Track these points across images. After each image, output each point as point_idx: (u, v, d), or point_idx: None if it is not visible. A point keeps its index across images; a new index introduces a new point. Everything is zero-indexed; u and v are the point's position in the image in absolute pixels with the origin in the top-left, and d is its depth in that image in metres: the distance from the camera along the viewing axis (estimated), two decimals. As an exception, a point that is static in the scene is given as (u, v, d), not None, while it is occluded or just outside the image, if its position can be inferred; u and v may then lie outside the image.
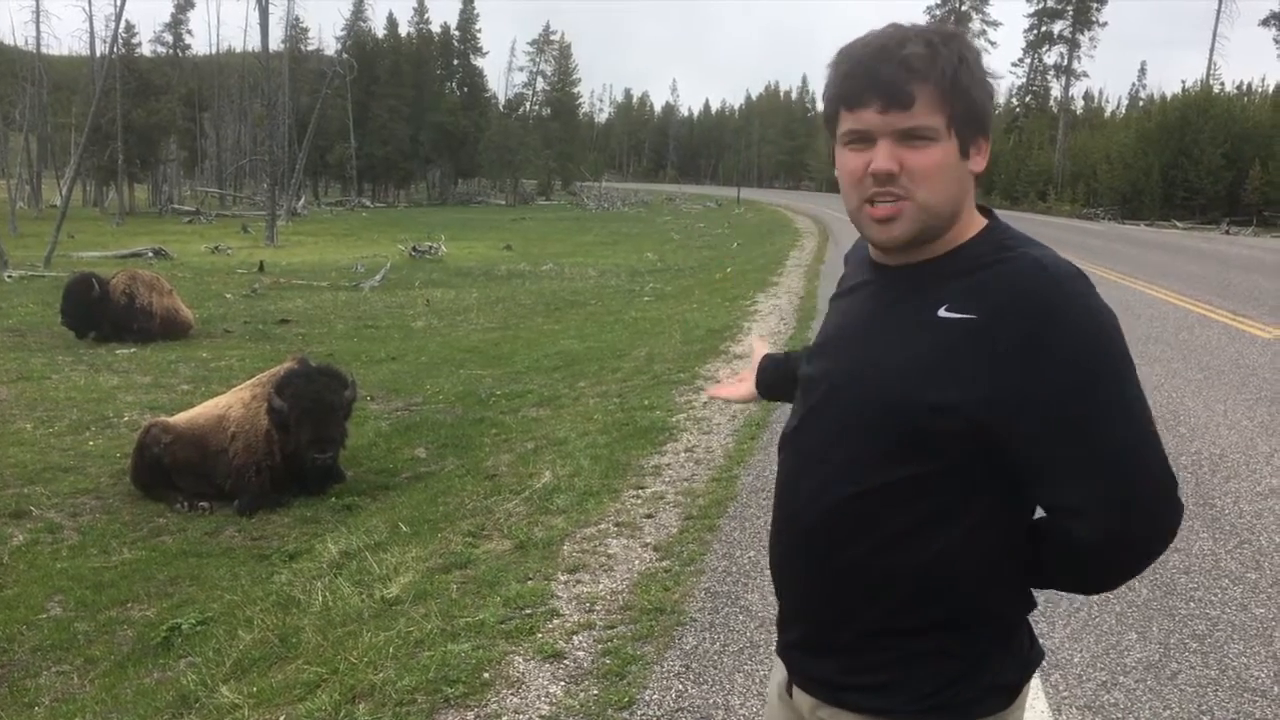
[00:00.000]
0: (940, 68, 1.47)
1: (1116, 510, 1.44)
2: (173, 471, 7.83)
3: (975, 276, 1.48)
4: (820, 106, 2.06)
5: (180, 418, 8.36)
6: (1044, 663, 3.92)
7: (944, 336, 1.46)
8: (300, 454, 7.58)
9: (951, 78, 1.47)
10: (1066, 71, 76.86)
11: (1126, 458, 1.43)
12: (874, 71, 1.48)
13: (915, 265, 1.56)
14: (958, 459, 1.49)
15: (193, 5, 75.24)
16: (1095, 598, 4.55)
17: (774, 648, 1.84)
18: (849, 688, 1.62)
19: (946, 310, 1.47)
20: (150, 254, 28.43)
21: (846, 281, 1.77)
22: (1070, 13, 74.78)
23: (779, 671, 1.81)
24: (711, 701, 3.69)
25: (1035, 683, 3.74)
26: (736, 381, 2.30)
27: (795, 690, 1.74)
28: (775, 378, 2.17)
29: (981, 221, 1.58)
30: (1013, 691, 1.60)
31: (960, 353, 1.44)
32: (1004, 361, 1.42)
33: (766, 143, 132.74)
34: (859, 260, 1.73)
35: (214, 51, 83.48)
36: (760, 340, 2.36)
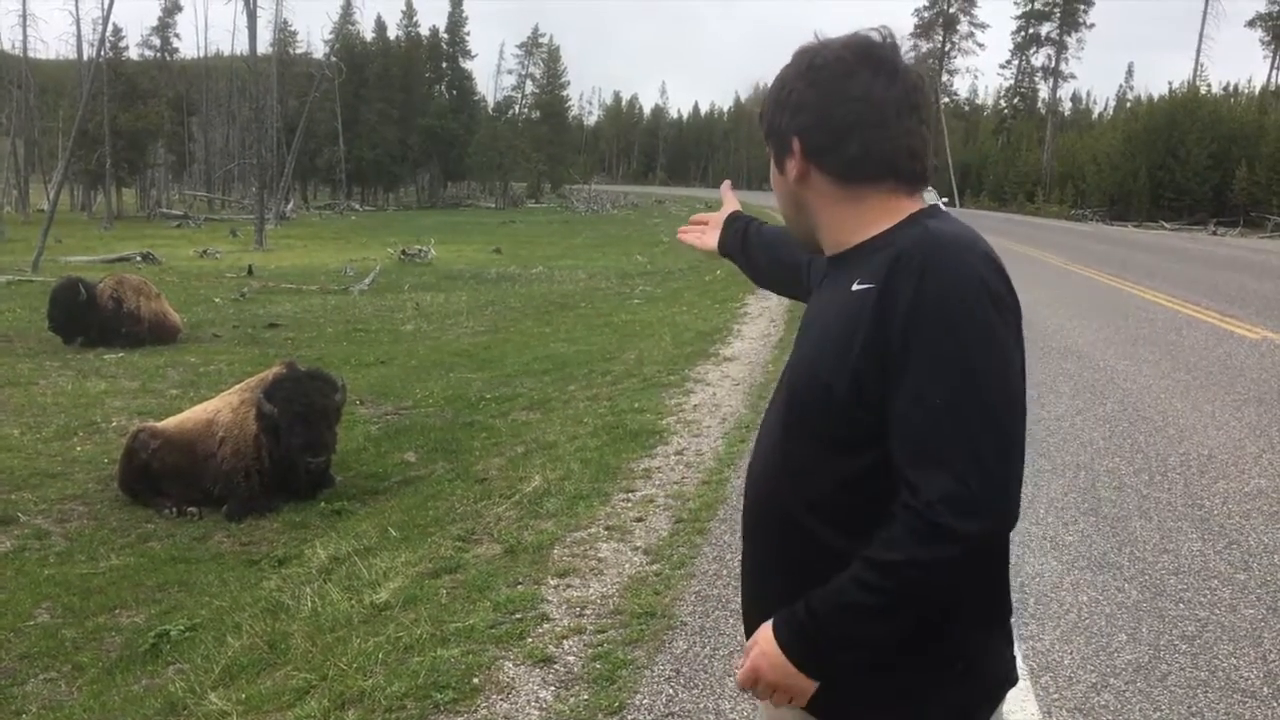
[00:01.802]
0: (768, 102, 1.69)
1: (930, 476, 1.42)
2: (161, 477, 7.79)
3: (882, 251, 1.55)
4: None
5: (168, 423, 8.32)
6: (1034, 665, 3.94)
7: (852, 308, 1.54)
8: (291, 459, 7.55)
9: (770, 110, 1.68)
10: (1054, 73, 77.25)
11: (969, 431, 1.42)
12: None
13: (842, 254, 1.66)
14: (867, 431, 1.51)
15: (180, 8, 75.12)
16: (1084, 599, 4.55)
17: None
18: None
19: (858, 284, 1.55)
20: (138, 258, 28.31)
21: None
22: (1058, 15, 75.15)
23: None
24: (702, 706, 3.68)
25: (1025, 684, 3.75)
26: (703, 231, 2.40)
27: None
28: (730, 236, 2.32)
29: (906, 211, 1.61)
30: (965, 714, 1.60)
31: (860, 320, 1.51)
32: (881, 326, 1.48)
33: (756, 145, 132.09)
34: None
35: (202, 55, 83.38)
36: (729, 193, 2.43)
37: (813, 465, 1.56)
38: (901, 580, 1.44)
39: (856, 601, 1.46)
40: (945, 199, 39.21)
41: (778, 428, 1.66)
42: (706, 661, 4.00)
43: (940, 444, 1.42)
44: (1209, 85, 64.12)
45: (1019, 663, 3.88)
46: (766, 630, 1.55)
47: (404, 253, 30.55)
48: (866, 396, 1.48)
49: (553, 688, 3.81)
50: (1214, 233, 43.91)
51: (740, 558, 1.81)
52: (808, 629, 1.51)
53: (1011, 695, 3.81)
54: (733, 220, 2.33)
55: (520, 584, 4.80)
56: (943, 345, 1.43)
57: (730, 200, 2.39)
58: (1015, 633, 4.16)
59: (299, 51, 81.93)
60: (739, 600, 1.87)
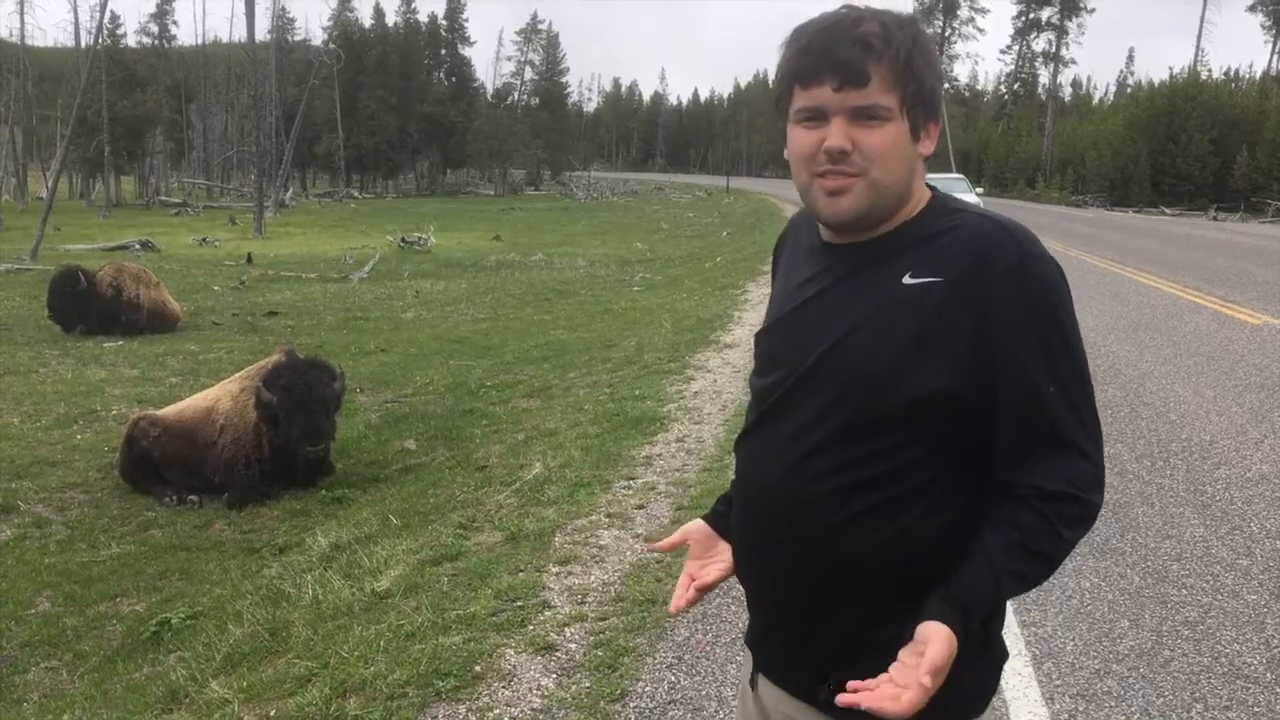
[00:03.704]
0: (895, 48, 1.46)
1: (1064, 460, 1.48)
2: (161, 465, 7.78)
3: (933, 243, 1.50)
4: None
5: (168, 411, 8.31)
6: (1037, 651, 3.93)
7: (910, 303, 1.47)
8: (290, 447, 7.54)
9: (905, 59, 1.47)
10: (1054, 59, 77.10)
11: (1081, 411, 1.50)
12: (829, 48, 1.46)
13: (868, 241, 1.56)
14: (931, 428, 1.48)
15: (178, -5, 74.89)
16: (1086, 585, 4.55)
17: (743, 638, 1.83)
18: (817, 682, 1.59)
19: (910, 277, 1.48)
20: (137, 246, 28.27)
21: (796, 267, 1.72)
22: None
23: (748, 663, 1.79)
24: (704, 693, 3.68)
25: (1028, 671, 3.75)
26: (708, 564, 1.84)
27: (761, 682, 1.72)
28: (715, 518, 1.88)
29: (927, 195, 1.58)
30: (987, 697, 1.58)
31: (928, 317, 1.46)
32: (970, 320, 1.45)
33: (756, 131, 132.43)
34: (808, 247, 1.69)
35: (200, 42, 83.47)
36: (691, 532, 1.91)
37: (865, 461, 1.51)
38: (1055, 558, 1.50)
39: (1022, 572, 1.48)
40: (980, 189, 38.52)
41: (816, 427, 1.54)
42: (708, 648, 4.00)
43: (1066, 428, 1.48)
44: (1210, 71, 64.16)
45: (1021, 647, 3.89)
46: (939, 628, 1.41)
47: (403, 240, 30.50)
48: (953, 392, 1.46)
49: (554, 675, 3.80)
50: (1215, 218, 43.83)
51: (756, 580, 1.70)
52: (989, 599, 1.48)
53: (1015, 683, 3.81)
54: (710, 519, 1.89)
55: (521, 571, 4.80)
56: (1054, 336, 1.48)
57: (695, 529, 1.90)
58: (1017, 619, 4.14)
59: (297, 38, 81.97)
60: (743, 601, 1.81)
